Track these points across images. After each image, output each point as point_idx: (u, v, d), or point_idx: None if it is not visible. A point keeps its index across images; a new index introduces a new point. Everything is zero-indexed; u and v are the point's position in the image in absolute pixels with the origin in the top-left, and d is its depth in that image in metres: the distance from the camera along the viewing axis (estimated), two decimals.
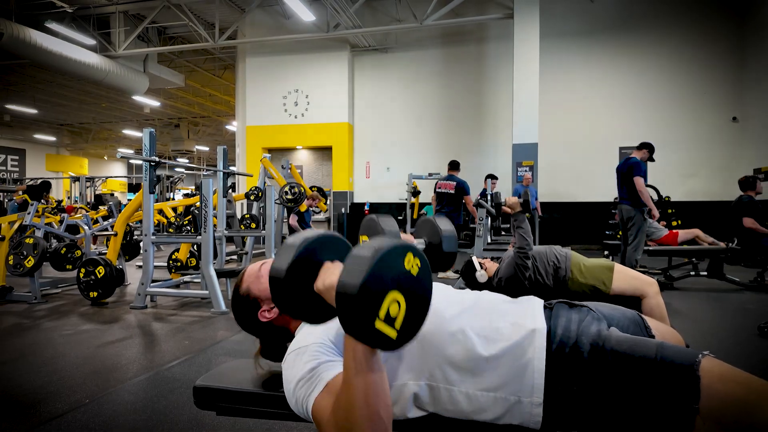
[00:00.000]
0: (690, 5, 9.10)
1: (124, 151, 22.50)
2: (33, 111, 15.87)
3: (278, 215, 6.69)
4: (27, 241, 4.50)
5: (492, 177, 7.31)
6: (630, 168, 4.76)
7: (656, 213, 4.74)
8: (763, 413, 0.78)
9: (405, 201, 9.28)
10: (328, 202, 10.04)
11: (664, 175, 8.60)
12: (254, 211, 7.82)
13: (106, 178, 17.01)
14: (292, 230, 6.96)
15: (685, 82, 9.16)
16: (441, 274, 5.86)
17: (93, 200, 11.48)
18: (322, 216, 10.51)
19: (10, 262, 4.47)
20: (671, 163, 8.85)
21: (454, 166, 6.22)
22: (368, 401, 0.77)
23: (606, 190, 8.40)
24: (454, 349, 0.95)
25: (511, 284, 2.44)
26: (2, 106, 15.39)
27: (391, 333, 0.74)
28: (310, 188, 7.45)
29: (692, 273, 5.07)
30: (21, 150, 19.85)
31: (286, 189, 6.63)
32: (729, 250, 4.88)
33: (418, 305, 0.77)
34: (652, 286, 2.25)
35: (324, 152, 11.06)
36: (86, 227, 5.44)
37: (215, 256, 5.14)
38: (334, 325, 0.93)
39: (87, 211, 6.59)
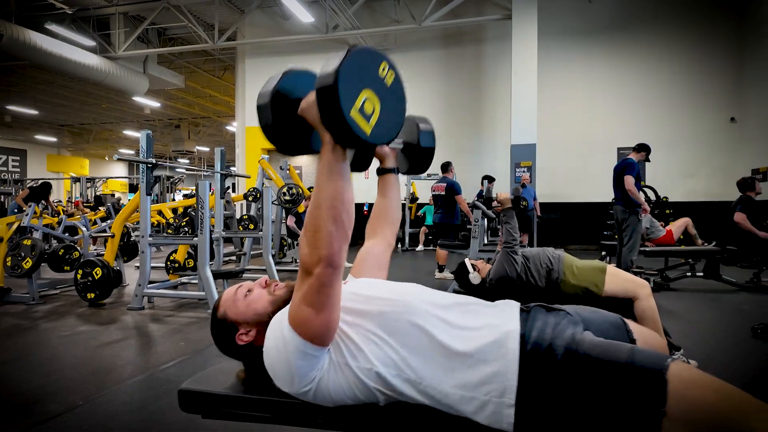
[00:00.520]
0: (689, 5, 9.10)
1: (122, 152, 22.58)
2: (34, 112, 15.90)
3: (276, 216, 6.71)
4: (25, 242, 4.51)
5: (488, 178, 7.27)
6: (623, 168, 4.78)
7: (647, 208, 4.72)
8: (732, 418, 0.80)
9: (405, 201, 9.29)
10: None
11: (662, 175, 8.61)
12: (253, 212, 7.83)
13: (107, 178, 17.05)
14: (290, 231, 6.97)
15: (684, 82, 9.15)
16: (438, 275, 5.86)
17: (93, 201, 11.50)
18: None
19: (8, 264, 4.48)
20: (670, 164, 8.85)
21: (444, 167, 6.23)
22: (335, 204, 0.86)
23: (604, 191, 8.35)
24: (428, 344, 0.96)
25: (502, 284, 2.46)
26: (3, 107, 15.42)
27: (365, 127, 0.81)
28: (309, 189, 7.45)
29: (689, 274, 5.07)
30: (22, 151, 19.88)
31: (285, 190, 6.64)
32: (725, 251, 4.88)
33: (392, 112, 0.85)
34: (644, 288, 2.26)
35: None
36: (84, 229, 5.46)
37: (212, 257, 5.15)
38: None
39: (84, 213, 6.61)
